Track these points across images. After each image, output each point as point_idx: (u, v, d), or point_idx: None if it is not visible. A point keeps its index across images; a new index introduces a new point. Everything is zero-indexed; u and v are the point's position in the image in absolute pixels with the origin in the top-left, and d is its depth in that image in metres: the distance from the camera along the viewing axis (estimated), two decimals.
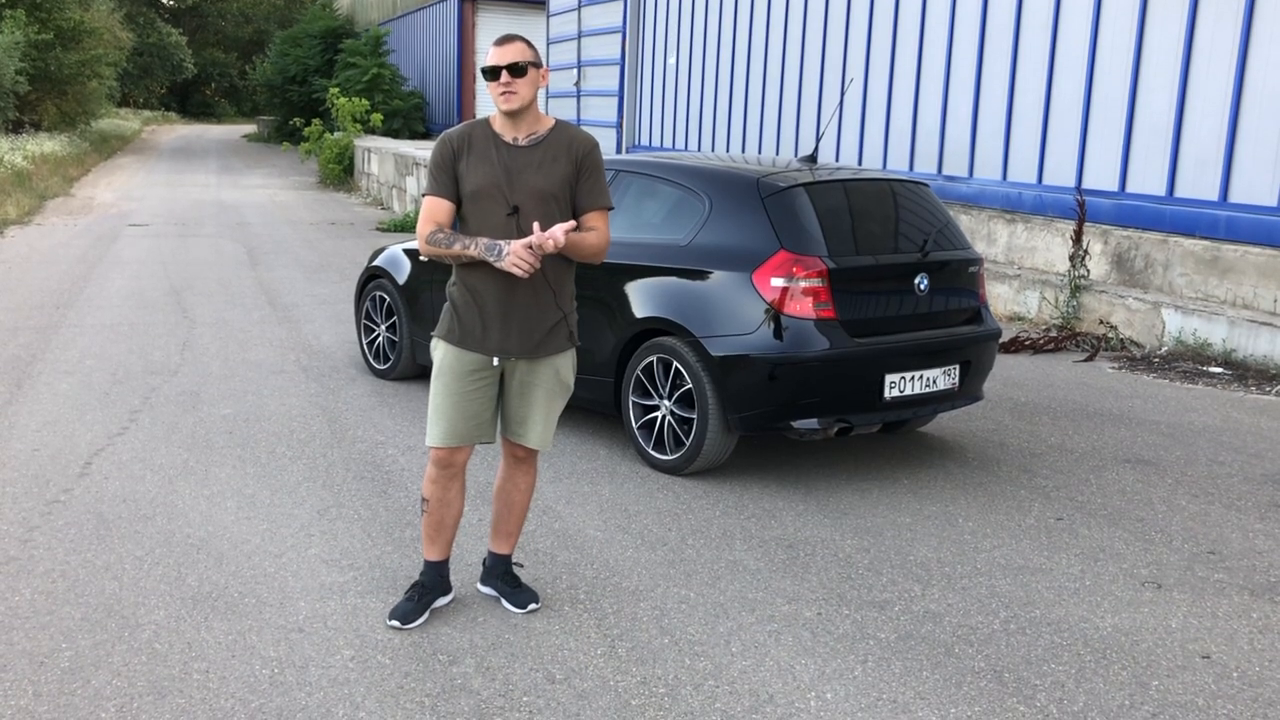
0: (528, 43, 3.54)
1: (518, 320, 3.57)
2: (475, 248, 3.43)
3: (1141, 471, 5.58)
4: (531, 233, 3.43)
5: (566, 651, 3.58)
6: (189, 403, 6.40)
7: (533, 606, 3.84)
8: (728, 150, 14.98)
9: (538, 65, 3.51)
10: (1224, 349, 7.95)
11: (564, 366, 3.71)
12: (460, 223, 3.59)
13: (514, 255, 3.36)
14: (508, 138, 3.55)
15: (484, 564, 3.99)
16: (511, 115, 3.51)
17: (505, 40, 3.51)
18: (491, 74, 3.46)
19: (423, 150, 17.83)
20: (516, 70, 3.46)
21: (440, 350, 3.64)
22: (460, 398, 3.59)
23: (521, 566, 4.03)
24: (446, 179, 3.56)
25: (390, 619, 3.70)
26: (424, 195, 3.61)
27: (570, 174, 3.55)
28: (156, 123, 52.60)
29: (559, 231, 3.36)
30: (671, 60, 16.53)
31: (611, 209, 3.69)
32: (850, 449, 5.81)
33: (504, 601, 3.88)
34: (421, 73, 30.81)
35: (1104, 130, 9.54)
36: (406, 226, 15.27)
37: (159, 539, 4.40)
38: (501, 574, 3.92)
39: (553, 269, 3.55)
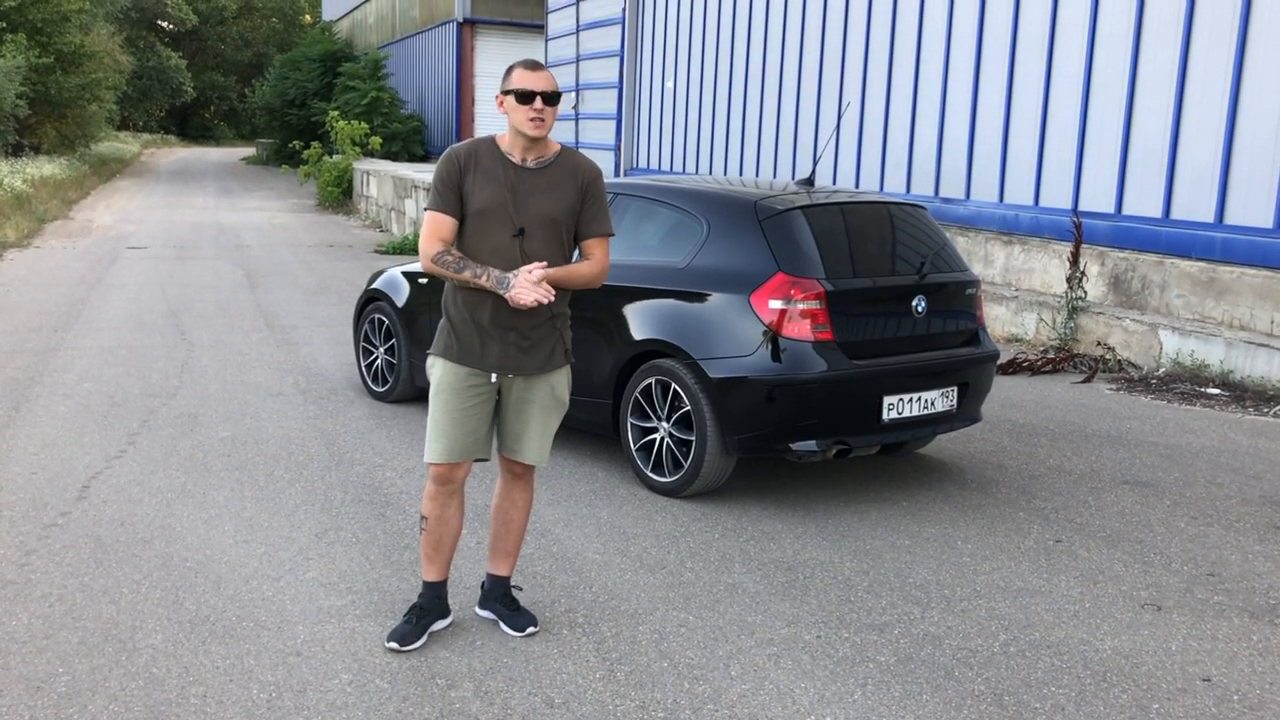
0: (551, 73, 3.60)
1: (514, 338, 3.59)
2: (486, 279, 3.46)
3: (1140, 493, 5.58)
4: (533, 257, 3.48)
5: (565, 675, 3.56)
6: (187, 425, 6.39)
7: (531, 630, 3.83)
8: (725, 173, 15.03)
9: (561, 95, 3.56)
10: (1221, 370, 7.96)
11: (560, 384, 3.74)
12: (461, 240, 3.60)
13: (520, 289, 3.40)
14: (516, 158, 3.57)
15: (482, 587, 3.99)
16: (533, 140, 3.54)
17: (537, 66, 3.54)
18: (525, 98, 3.48)
19: (421, 173, 17.88)
20: (551, 99, 3.49)
21: (438, 368, 3.66)
22: (460, 414, 3.60)
23: (520, 589, 4.03)
24: (452, 195, 3.57)
25: (388, 641, 3.69)
26: (427, 210, 3.62)
27: (575, 201, 3.60)
28: (156, 145, 52.75)
29: (541, 288, 3.44)
30: (670, 84, 16.61)
31: (612, 235, 3.72)
32: (849, 471, 5.81)
33: (502, 625, 3.87)
34: (420, 96, 30.94)
35: (1100, 152, 9.58)
36: (405, 249, 15.27)
37: (157, 562, 4.39)
38: (500, 597, 3.91)
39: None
